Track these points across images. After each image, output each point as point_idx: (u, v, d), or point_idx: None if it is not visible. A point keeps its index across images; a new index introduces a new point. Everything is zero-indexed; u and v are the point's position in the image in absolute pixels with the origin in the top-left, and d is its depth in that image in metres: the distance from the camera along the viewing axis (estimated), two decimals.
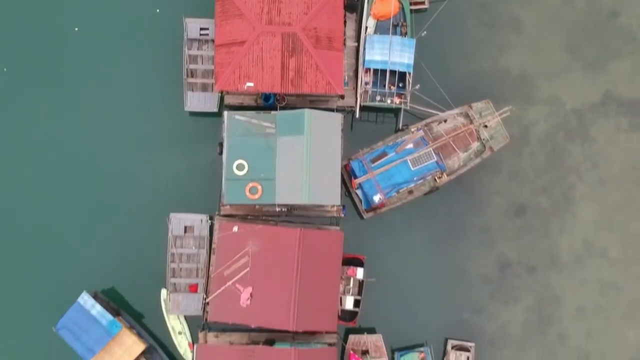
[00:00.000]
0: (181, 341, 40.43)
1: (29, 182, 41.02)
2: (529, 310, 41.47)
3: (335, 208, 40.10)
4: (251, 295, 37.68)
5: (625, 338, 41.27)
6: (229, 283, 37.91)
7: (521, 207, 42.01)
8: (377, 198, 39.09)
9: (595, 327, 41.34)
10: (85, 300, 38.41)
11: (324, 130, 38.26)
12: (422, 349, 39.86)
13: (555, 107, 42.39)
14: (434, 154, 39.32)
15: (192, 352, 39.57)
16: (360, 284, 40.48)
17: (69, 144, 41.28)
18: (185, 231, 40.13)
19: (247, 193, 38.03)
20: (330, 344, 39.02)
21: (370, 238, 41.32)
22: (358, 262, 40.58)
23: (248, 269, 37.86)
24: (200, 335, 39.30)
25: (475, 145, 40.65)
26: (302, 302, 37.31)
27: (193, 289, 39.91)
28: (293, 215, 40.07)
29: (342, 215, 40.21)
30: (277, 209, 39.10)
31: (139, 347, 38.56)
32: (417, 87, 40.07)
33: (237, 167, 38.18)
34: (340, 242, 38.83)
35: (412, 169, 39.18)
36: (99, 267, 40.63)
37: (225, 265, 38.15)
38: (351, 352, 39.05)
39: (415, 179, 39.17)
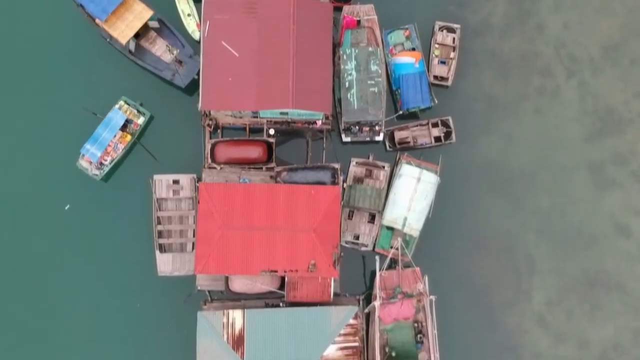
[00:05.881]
0: (190, 22, 43.36)
1: None
2: (509, 3, 44.52)
3: None
4: None
5: (598, 28, 44.32)
6: None
7: None
8: None
9: (571, 19, 44.38)
10: None
11: None
12: (407, 26, 42.92)
13: None
14: None
15: (199, 31, 42.53)
16: None
17: None
18: None
19: None
20: None
21: None
22: None
23: None
24: None
25: None
26: None
27: None
28: None
29: None
30: None
31: (147, 12, 41.56)
32: None
33: None
34: None
35: None
36: None
37: None
38: (345, 14, 41.99)
39: None
